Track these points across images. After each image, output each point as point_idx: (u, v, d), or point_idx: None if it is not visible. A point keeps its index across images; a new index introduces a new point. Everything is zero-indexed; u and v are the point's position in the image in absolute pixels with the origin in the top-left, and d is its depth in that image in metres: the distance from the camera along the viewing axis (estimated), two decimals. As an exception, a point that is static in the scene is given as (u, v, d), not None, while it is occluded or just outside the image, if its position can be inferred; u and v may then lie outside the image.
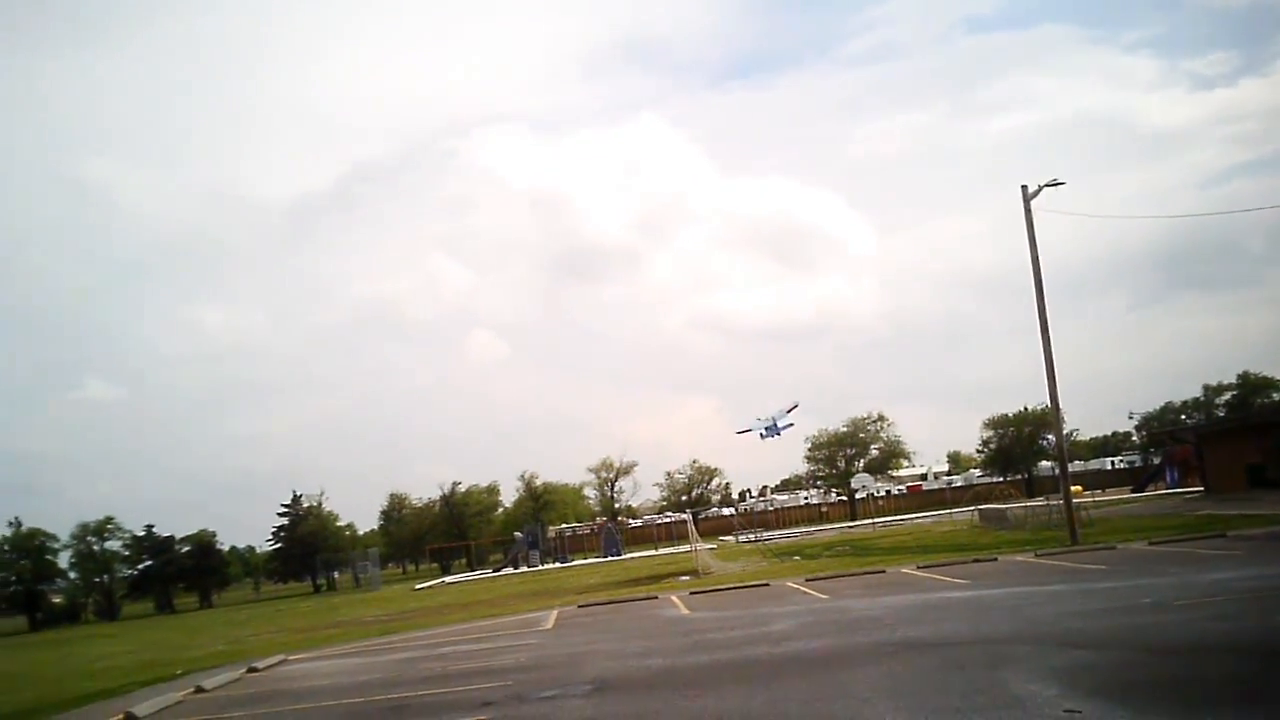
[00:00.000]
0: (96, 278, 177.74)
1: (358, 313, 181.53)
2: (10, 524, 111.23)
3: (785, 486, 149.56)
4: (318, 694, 19.96)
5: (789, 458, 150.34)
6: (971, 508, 64.69)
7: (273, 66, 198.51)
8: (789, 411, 71.01)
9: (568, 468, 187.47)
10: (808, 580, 33.77)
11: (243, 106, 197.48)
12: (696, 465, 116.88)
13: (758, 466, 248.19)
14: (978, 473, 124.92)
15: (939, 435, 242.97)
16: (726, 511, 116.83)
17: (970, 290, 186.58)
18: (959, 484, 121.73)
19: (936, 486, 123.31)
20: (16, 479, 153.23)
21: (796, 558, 48.62)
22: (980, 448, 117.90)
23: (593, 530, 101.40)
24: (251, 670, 25.47)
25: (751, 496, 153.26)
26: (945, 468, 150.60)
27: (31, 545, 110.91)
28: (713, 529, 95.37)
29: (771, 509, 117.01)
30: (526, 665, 20.55)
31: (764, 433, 70.32)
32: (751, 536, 74.97)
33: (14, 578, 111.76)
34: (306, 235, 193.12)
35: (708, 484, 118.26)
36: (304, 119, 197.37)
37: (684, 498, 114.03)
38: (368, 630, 36.35)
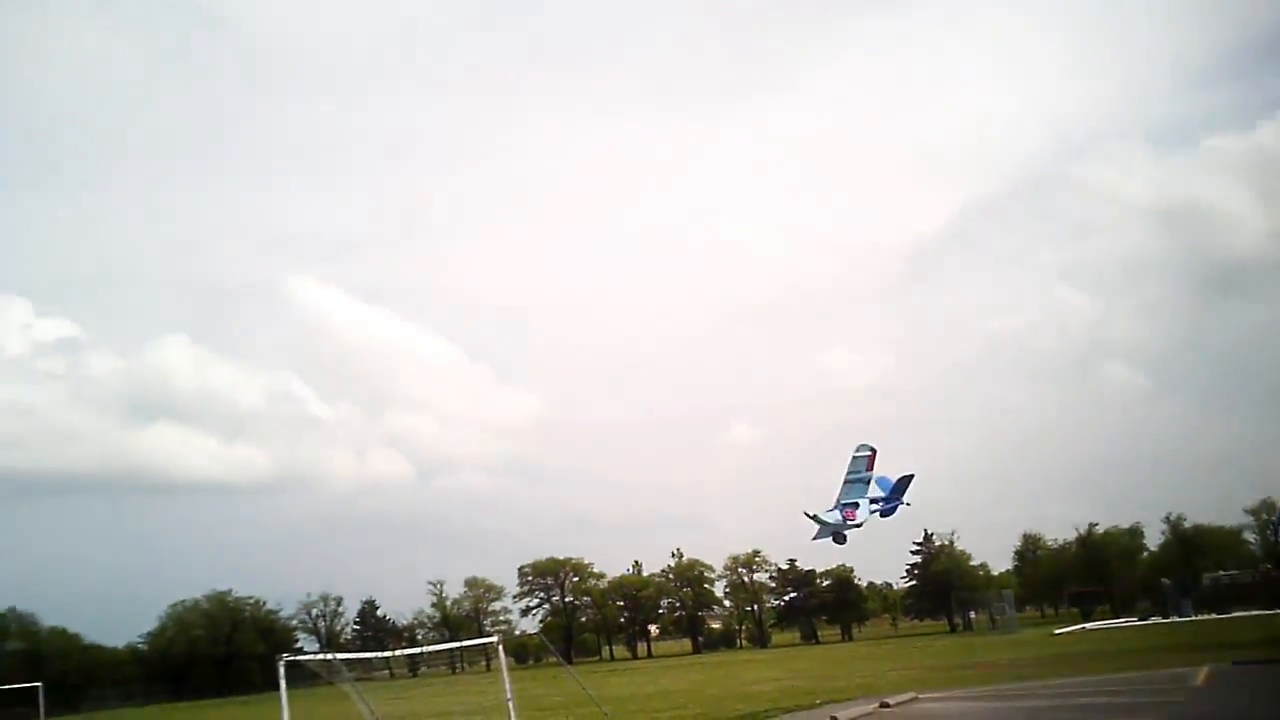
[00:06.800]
0: (737, 328, 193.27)
1: (981, 349, 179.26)
2: (673, 555, 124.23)
3: None
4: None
5: None
6: None
7: (880, 113, 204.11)
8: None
9: (1221, 508, 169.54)
10: None
11: (856, 156, 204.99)
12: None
13: None
14: None
15: None
16: None
17: None
18: None
19: None
20: (681, 512, 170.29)
21: None
22: None
23: (1255, 578, 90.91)
24: (884, 705, 26.14)
25: None
26: None
27: (692, 574, 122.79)
28: None
29: None
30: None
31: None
32: None
33: (679, 604, 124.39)
34: (925, 275, 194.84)
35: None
36: (915, 161, 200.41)
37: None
38: (1002, 674, 35.69)
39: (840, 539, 42.15)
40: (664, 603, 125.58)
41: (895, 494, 34.09)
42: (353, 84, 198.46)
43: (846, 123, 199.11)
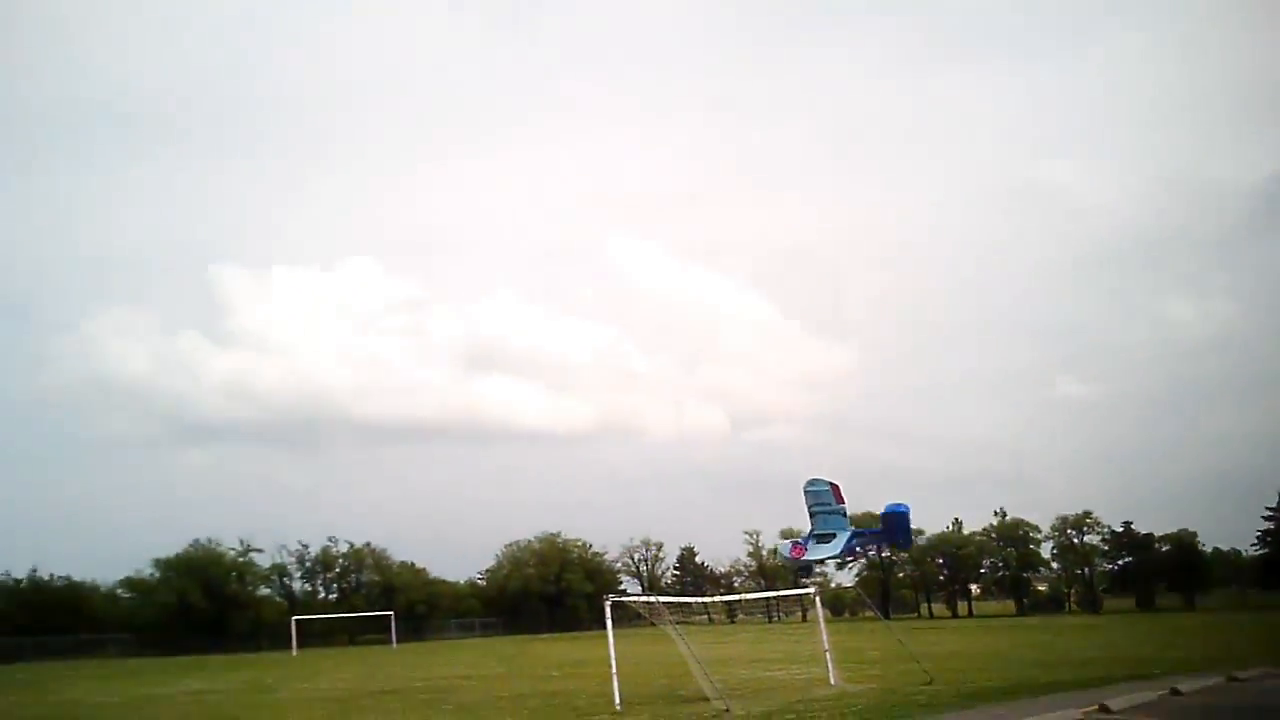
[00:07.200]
0: (1066, 277, 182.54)
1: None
2: (996, 513, 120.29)
3: None
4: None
5: None
6: None
7: (1231, 40, 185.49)
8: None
9: None
10: None
11: (1202, 88, 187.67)
12: None
13: None
14: None
15: None
16: None
17: None
18: None
19: None
20: (1003, 471, 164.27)
21: None
22: None
23: None
24: (1232, 679, 24.29)
25: None
26: None
27: (1015, 534, 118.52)
28: None
29: None
30: None
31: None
32: None
33: (1001, 564, 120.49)
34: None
35: None
36: (1273, 92, 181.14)
37: None
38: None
39: (806, 572, 38.44)
40: (985, 562, 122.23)
41: (892, 531, 28.76)
42: (670, 44, 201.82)
43: (1191, 50, 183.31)
